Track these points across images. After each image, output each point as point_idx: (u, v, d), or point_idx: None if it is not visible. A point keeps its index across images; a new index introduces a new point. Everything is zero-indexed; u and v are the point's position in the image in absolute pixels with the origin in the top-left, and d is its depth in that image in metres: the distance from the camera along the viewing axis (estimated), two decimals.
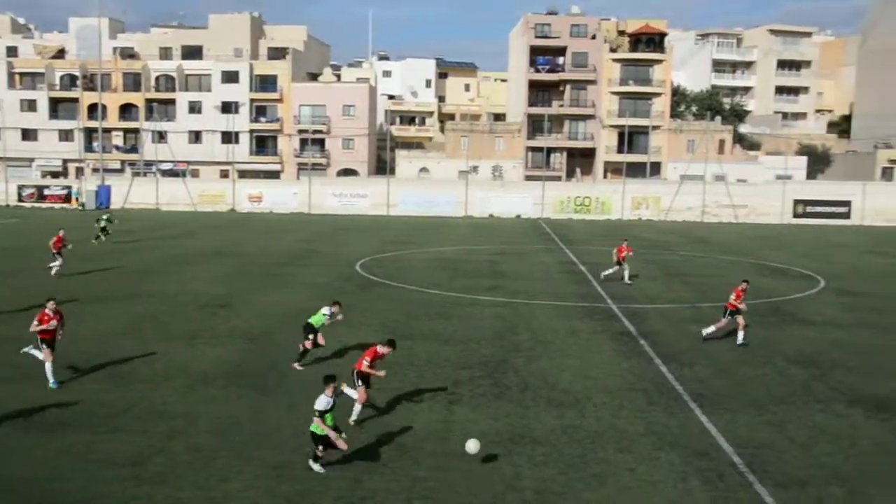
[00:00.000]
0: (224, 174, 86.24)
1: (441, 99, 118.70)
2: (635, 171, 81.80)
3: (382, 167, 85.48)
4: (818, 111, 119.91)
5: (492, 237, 50.85)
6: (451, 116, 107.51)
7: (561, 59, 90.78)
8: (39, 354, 16.77)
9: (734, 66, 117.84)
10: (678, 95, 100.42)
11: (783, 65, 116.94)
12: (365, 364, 14.80)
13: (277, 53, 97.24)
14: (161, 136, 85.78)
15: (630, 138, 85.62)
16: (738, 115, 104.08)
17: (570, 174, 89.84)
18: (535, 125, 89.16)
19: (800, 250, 45.91)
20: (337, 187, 73.44)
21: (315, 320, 18.56)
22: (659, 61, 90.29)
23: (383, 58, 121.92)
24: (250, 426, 14.55)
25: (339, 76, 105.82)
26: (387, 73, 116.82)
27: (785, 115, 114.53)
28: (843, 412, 16.06)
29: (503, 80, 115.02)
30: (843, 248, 47.67)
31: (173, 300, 26.64)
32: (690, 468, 12.97)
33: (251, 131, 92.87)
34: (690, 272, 35.89)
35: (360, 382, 14.84)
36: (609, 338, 22.21)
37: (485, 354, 20.03)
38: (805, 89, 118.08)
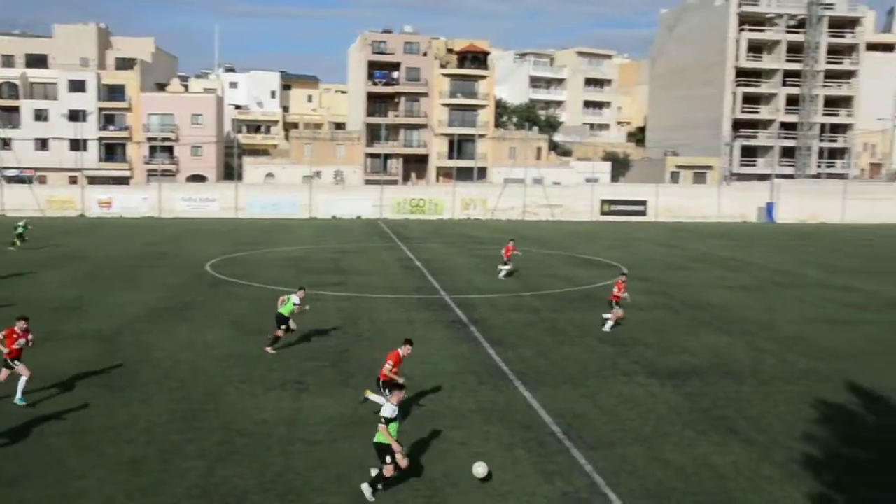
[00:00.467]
0: (73, 180, 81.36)
1: (286, 109, 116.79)
2: (464, 175, 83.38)
3: (230, 173, 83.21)
4: (619, 123, 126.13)
5: (335, 237, 50.48)
6: (296, 125, 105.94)
7: (396, 74, 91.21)
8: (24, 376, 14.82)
9: (548, 83, 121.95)
10: (501, 108, 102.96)
11: (589, 82, 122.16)
12: (387, 369, 14.02)
13: (125, 64, 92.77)
14: (5, 143, 79.98)
15: (459, 146, 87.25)
16: (553, 125, 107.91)
17: (406, 178, 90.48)
18: (374, 133, 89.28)
19: (606, 243, 48.04)
20: (186, 192, 70.77)
21: (285, 310, 18.75)
22: (483, 77, 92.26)
23: (229, 70, 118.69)
24: (103, 423, 13.81)
25: (186, 87, 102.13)
26: (233, 85, 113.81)
27: (592, 126, 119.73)
28: (643, 382, 16.95)
29: (343, 92, 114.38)
30: (642, 241, 50.20)
31: (25, 304, 24.92)
32: (516, 439, 13.34)
33: (100, 139, 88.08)
34: (515, 265, 36.84)
35: (387, 391, 13.46)
36: (443, 326, 22.52)
37: (330, 345, 19.88)
38: (608, 104, 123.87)
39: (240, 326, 21.89)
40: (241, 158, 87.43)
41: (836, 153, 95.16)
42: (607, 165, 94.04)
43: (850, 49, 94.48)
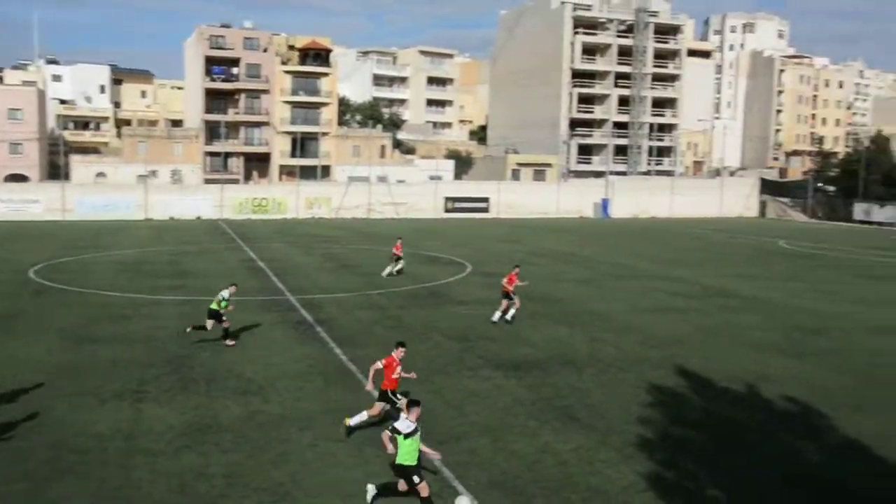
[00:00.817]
0: None
1: (117, 105, 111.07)
2: (308, 173, 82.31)
3: (56, 172, 78.20)
4: (461, 121, 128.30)
5: (173, 238, 48.56)
6: (128, 122, 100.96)
7: (235, 70, 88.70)
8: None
9: (391, 81, 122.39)
10: (344, 106, 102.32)
11: (432, 81, 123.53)
12: (394, 377, 13.60)
13: None
14: None
15: (302, 144, 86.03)
16: (396, 123, 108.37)
17: (248, 177, 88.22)
18: (213, 131, 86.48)
19: (451, 241, 48.78)
20: (4, 193, 65.92)
21: (216, 305, 19.28)
22: (326, 74, 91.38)
23: (52, 62, 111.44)
24: None
25: (1, 78, 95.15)
26: (57, 78, 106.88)
27: (435, 124, 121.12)
28: (488, 376, 17.37)
29: (180, 88, 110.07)
30: (485, 238, 51.32)
31: None
32: (366, 438, 13.34)
33: None
34: (360, 263, 36.77)
35: (398, 398, 13.50)
36: (289, 327, 22.19)
37: (170, 351, 19.14)
38: (450, 102, 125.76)
39: (69, 336, 20.67)
40: (68, 157, 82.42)
41: (663, 151, 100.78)
42: (450, 163, 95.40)
43: (674, 54, 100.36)
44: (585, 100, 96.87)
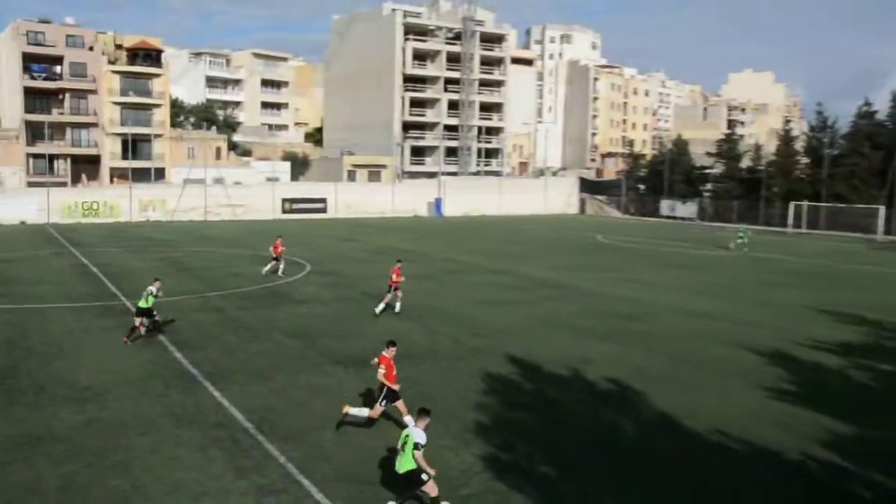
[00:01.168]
0: None
1: None
2: (141, 175, 78.40)
3: None
4: (297, 123, 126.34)
5: None
6: None
7: (58, 68, 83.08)
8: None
9: (225, 83, 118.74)
10: (177, 107, 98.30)
11: (266, 83, 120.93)
12: (381, 374, 13.36)
13: None
14: None
15: (134, 146, 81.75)
16: (231, 125, 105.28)
17: (76, 180, 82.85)
18: (36, 132, 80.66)
19: (289, 240, 47.70)
20: None
21: (145, 303, 19.64)
22: (157, 75, 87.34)
23: None
24: None
25: None
26: None
27: (270, 127, 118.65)
28: (330, 371, 17.24)
29: None
30: (324, 237, 50.80)
31: None
32: (209, 439, 12.92)
33: None
34: (197, 266, 35.47)
35: (385, 401, 13.38)
36: (125, 332, 21.07)
37: None
38: (285, 105, 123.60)
39: None
40: None
41: (491, 153, 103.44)
42: (287, 165, 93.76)
43: (499, 61, 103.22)
44: (417, 103, 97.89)
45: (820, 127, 71.59)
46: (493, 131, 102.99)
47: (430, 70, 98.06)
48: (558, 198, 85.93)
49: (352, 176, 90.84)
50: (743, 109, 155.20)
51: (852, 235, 59.76)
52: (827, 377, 17.71)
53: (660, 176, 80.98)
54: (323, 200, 72.97)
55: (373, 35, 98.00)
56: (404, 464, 10.30)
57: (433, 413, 14.25)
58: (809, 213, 64.74)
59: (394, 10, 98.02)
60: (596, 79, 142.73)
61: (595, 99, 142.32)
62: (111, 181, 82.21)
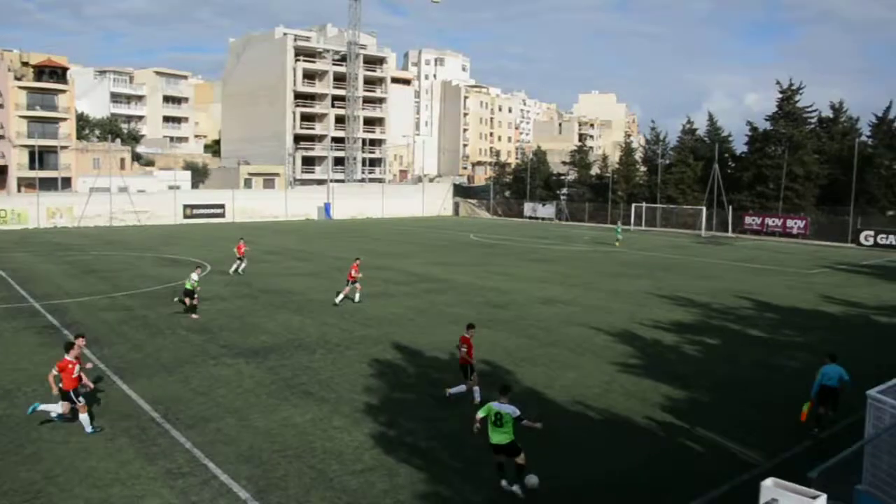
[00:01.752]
0: None
1: None
2: (49, 185, 73.54)
3: None
4: (197, 136, 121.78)
5: None
6: None
7: None
8: (58, 408, 12.47)
9: (129, 99, 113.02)
10: (83, 121, 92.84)
11: (168, 99, 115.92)
12: (464, 352, 14.09)
13: None
14: None
15: (41, 157, 76.62)
16: (135, 138, 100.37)
17: None
18: None
19: (191, 244, 46.24)
20: None
21: (190, 286, 21.79)
22: (63, 91, 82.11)
23: None
24: None
25: None
26: None
27: (172, 139, 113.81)
28: (230, 363, 16.83)
29: None
30: (223, 240, 49.08)
31: None
32: (118, 430, 12.39)
33: None
34: (103, 268, 33.69)
35: (472, 372, 14.12)
36: (34, 333, 19.82)
37: None
38: (186, 119, 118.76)
39: None
40: None
41: (375, 162, 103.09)
42: (188, 174, 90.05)
43: (380, 80, 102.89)
44: (307, 118, 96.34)
45: (654, 140, 75.43)
46: (375, 143, 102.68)
47: (318, 88, 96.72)
48: (435, 201, 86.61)
49: (248, 183, 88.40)
50: (591, 125, 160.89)
51: (682, 231, 63.30)
52: (665, 351, 18.71)
53: (523, 182, 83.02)
54: (221, 206, 70.67)
55: (266, 56, 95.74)
56: (504, 436, 10.26)
57: (327, 398, 14.23)
58: (647, 212, 68.09)
59: (285, 33, 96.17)
60: (466, 97, 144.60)
61: (465, 114, 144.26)
62: (19, 190, 76.74)
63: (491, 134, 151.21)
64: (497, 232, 59.68)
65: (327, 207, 76.47)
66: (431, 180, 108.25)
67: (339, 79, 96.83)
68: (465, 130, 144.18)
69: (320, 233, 57.10)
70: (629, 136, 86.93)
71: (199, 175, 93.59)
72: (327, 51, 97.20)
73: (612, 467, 11.30)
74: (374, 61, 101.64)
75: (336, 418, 13.09)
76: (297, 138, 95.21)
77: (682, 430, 12.93)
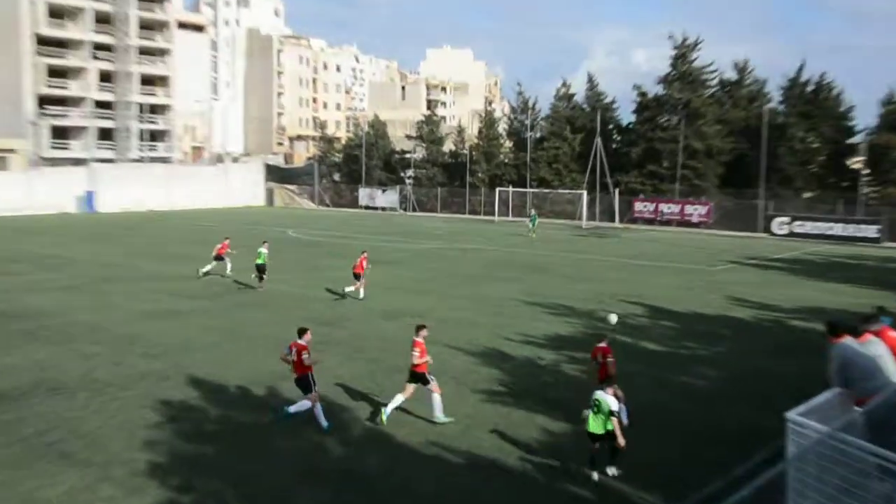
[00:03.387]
0: None
1: None
2: None
3: None
4: None
5: None
6: None
7: None
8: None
9: None
10: None
11: None
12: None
13: None
14: None
15: None
16: None
17: None
18: None
19: None
20: None
21: (260, 260, 30.23)
22: None
23: None
24: None
25: None
26: None
27: None
28: None
29: None
30: None
31: None
32: None
33: None
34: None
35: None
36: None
37: None
38: None
39: None
40: None
41: (157, 135, 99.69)
42: None
43: (162, 25, 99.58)
44: (58, 73, 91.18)
45: (521, 108, 78.03)
46: (158, 109, 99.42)
47: (72, 32, 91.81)
48: (242, 188, 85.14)
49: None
50: (443, 89, 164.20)
51: (558, 222, 65.85)
52: (540, 373, 19.12)
53: (357, 161, 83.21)
54: None
55: None
56: (601, 426, 12.71)
57: (93, 460, 13.29)
58: (515, 199, 70.14)
59: None
60: (280, 51, 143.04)
61: (280, 74, 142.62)
62: None
63: (314, 100, 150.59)
64: (324, 226, 59.35)
65: (90, 197, 73.39)
66: (236, 160, 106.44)
67: (103, 21, 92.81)
68: (279, 95, 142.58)
69: (82, 231, 54.93)
70: (490, 103, 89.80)
71: None
72: None
73: None
74: None
75: (105, 487, 12.28)
76: (44, 101, 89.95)
77: (565, 472, 13.16)
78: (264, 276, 30.28)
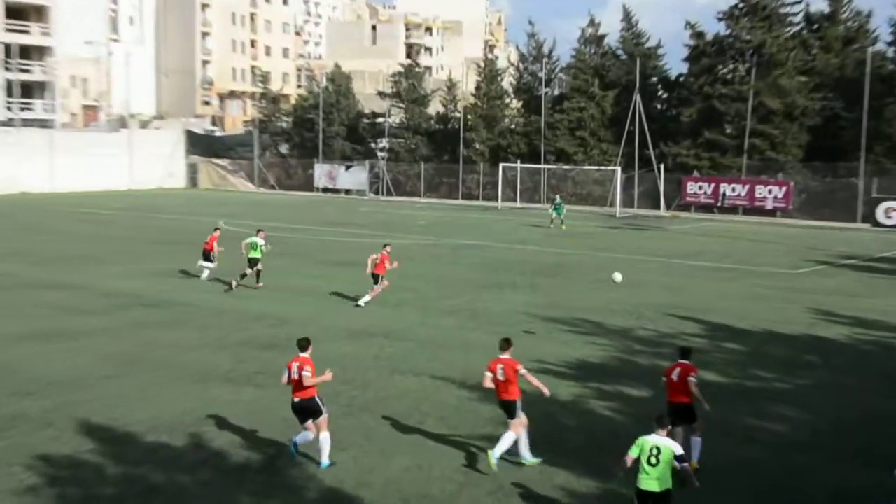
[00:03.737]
0: None
1: None
2: None
3: None
4: None
5: None
6: None
7: None
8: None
9: None
10: None
11: None
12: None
13: None
14: None
15: None
16: None
17: None
18: None
19: None
20: None
21: (256, 253, 32.56)
22: None
23: None
24: None
25: None
26: None
27: None
28: None
29: None
30: None
31: None
32: None
33: None
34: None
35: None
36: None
37: None
38: None
39: None
40: None
41: (34, 90, 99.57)
42: None
43: None
44: None
45: (533, 56, 77.70)
46: (34, 54, 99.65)
47: None
48: (153, 163, 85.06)
49: None
50: (428, 29, 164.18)
51: (584, 209, 65.66)
52: (559, 413, 18.95)
53: (311, 128, 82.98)
54: None
55: None
56: (656, 482, 11.99)
57: None
58: (526, 178, 70.08)
59: None
60: None
61: (205, 7, 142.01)
62: None
63: (253, 43, 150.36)
64: (268, 215, 59.24)
65: None
66: (146, 125, 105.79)
67: None
68: (204, 36, 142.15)
69: None
70: (492, 49, 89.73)
71: None
72: None
73: None
74: None
75: None
76: None
77: None
78: (260, 271, 32.73)
